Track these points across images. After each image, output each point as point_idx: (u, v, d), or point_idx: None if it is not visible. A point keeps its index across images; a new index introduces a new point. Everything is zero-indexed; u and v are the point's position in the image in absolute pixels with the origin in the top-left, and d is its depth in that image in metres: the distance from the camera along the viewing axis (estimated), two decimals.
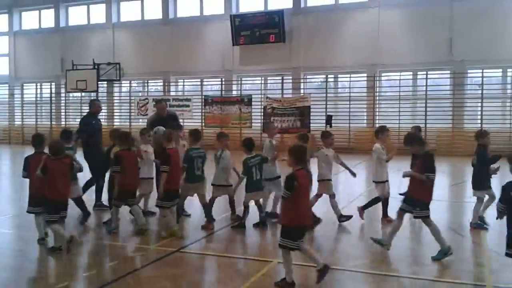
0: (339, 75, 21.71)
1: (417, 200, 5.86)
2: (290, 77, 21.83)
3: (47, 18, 26.65)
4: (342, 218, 7.57)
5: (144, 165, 7.59)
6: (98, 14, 25.50)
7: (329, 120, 19.86)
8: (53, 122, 25.89)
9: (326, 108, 20.85)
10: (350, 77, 21.29)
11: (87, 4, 25.88)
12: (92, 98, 23.78)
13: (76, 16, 26.30)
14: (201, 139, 7.59)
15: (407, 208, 5.97)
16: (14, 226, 7.68)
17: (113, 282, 5.15)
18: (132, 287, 5.16)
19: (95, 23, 25.45)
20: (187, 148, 7.45)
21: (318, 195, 7.56)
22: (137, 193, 7.42)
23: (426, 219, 5.87)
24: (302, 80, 21.86)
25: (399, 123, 18.84)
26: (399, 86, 20.25)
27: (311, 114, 20.28)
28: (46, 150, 6.35)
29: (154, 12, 24.16)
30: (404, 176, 6.07)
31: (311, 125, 19.99)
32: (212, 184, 7.56)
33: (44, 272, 5.69)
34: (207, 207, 7.42)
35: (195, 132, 7.55)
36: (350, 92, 21.15)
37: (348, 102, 20.80)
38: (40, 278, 5.44)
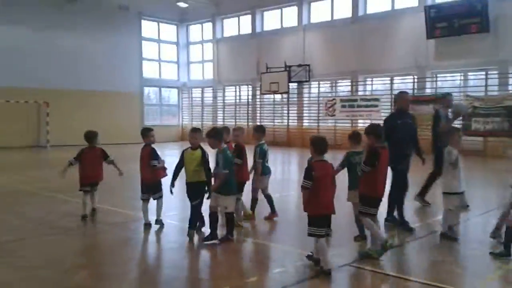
0: None
1: (360, 193, 5.95)
2: (496, 72, 19.10)
3: (245, 24, 28.53)
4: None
5: None
6: (290, 17, 26.26)
7: None
8: (249, 123, 27.61)
9: None
10: None
11: (280, 8, 26.87)
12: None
13: (271, 20, 27.56)
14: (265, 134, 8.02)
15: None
16: (181, 219, 7.96)
17: None
18: None
19: (287, 26, 26.26)
20: (256, 144, 7.77)
21: None
22: None
23: (362, 214, 5.88)
24: (511, 75, 18.92)
25: None
26: None
27: None
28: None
29: (343, 11, 23.80)
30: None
31: None
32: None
33: (204, 272, 5.73)
34: (271, 199, 7.94)
35: (259, 127, 8.08)
36: None
37: None
38: (198, 279, 5.43)
